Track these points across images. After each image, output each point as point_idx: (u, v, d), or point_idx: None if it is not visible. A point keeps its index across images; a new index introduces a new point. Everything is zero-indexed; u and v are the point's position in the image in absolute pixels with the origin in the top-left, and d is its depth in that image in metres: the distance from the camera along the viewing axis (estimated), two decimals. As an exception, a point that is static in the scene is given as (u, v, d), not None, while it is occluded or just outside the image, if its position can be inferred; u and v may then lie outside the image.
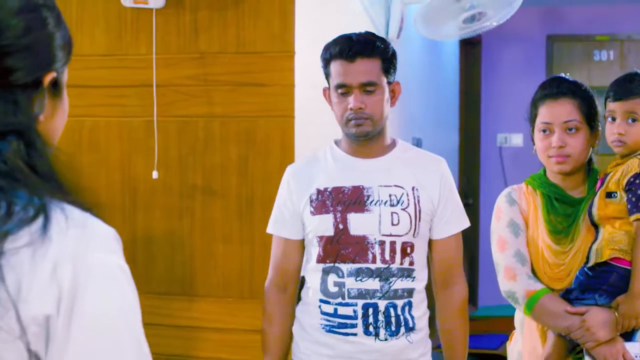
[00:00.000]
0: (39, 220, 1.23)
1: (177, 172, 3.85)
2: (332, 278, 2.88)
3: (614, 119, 2.86)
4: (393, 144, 3.00)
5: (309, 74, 3.79)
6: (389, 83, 2.89)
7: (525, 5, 4.55)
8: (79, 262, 1.22)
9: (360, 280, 2.84)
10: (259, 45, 3.74)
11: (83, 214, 1.29)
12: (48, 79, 1.34)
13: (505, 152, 8.19)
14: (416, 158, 3.00)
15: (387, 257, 2.85)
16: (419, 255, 2.92)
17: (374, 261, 2.85)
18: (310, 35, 3.85)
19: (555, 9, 8.24)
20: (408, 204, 2.88)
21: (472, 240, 7.79)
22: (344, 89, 2.84)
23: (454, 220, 2.98)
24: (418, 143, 5.98)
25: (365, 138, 2.89)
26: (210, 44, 3.80)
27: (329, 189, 2.90)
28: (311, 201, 2.92)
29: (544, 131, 2.92)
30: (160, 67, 3.83)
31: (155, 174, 3.83)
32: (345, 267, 2.86)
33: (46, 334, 1.20)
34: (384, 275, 2.85)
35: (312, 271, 2.94)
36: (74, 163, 1.35)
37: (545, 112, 2.92)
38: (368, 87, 2.83)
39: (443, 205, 2.94)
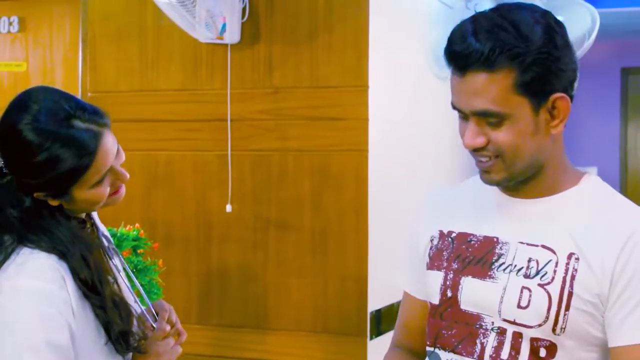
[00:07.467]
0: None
1: (251, 205, 3.87)
2: None
3: None
4: (574, 180, 1.91)
5: (382, 108, 3.79)
6: (537, 103, 1.82)
7: (599, 40, 4.50)
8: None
9: None
10: (333, 79, 3.75)
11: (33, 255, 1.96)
12: (36, 195, 2.02)
13: (579, 186, 8.07)
14: (599, 208, 1.85)
15: (505, 355, 1.81)
16: None
17: (481, 356, 1.85)
18: (384, 69, 3.85)
19: (629, 42, 8.16)
20: (552, 279, 1.78)
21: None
22: (460, 112, 1.85)
23: None
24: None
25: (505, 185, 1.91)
26: (285, 78, 3.82)
27: (453, 234, 1.96)
28: (431, 247, 2.00)
29: None
30: (234, 101, 3.86)
31: (229, 208, 3.86)
32: (444, 357, 1.91)
33: None
34: None
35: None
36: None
37: None
38: (489, 118, 1.79)
39: (620, 291, 1.74)
